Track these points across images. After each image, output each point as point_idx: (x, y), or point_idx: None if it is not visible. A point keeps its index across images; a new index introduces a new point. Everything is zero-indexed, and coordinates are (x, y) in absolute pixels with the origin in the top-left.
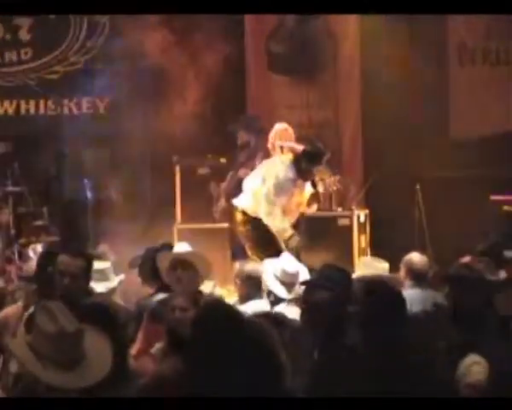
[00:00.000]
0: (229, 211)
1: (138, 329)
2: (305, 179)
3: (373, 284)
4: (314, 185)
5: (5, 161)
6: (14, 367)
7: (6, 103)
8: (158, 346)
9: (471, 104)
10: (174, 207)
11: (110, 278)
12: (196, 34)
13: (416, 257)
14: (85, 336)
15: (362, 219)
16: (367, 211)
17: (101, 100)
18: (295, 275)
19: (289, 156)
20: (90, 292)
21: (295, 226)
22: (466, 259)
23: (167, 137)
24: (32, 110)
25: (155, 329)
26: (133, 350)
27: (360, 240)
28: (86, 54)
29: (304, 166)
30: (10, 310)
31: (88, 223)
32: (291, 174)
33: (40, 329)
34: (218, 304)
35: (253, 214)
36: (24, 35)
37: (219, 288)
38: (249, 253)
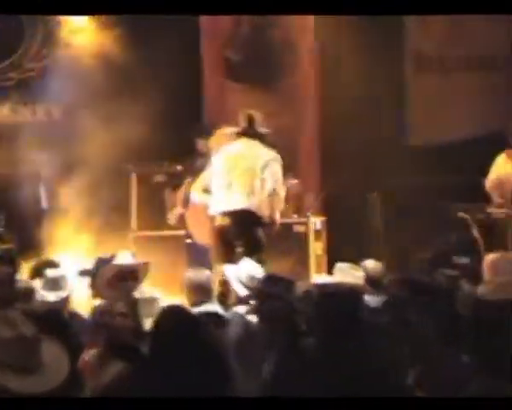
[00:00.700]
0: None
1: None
2: None
3: (330, 290)
4: None
5: None
6: None
7: None
8: (92, 352)
9: (429, 111)
10: (130, 214)
11: (63, 286)
12: (153, 40)
13: (370, 264)
14: (42, 343)
15: (318, 226)
16: (324, 218)
17: (56, 106)
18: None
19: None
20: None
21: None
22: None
23: (123, 145)
24: None
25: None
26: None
27: (316, 247)
28: (41, 60)
29: None
30: None
31: (44, 230)
32: None
33: None
34: (176, 310)
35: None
36: None
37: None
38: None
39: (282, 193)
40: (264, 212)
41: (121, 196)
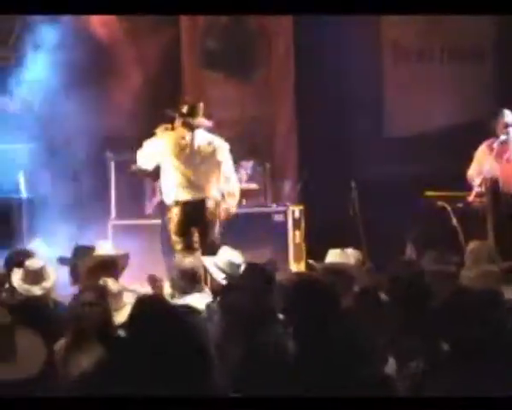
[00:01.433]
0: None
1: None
2: None
3: (303, 280)
4: None
5: None
6: None
7: None
8: (60, 342)
9: (405, 101)
10: (109, 203)
11: (46, 276)
12: (134, 29)
13: (349, 252)
14: (17, 332)
15: (297, 214)
16: (302, 207)
17: (33, 94)
18: (240, 266)
19: None
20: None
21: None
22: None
23: (102, 133)
24: None
25: None
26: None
27: (295, 236)
28: (18, 49)
29: None
30: None
31: (23, 220)
32: None
33: None
34: (153, 300)
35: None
36: None
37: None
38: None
39: (235, 182)
40: (218, 201)
41: (100, 185)
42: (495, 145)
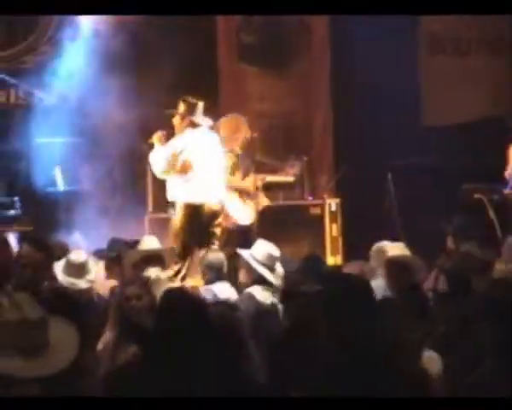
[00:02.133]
0: None
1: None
2: None
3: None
4: None
5: None
6: None
7: None
8: (108, 336)
9: (442, 93)
10: (146, 196)
11: (90, 270)
12: (171, 23)
13: (387, 246)
14: (50, 325)
15: (333, 207)
16: (338, 200)
17: (72, 89)
18: (278, 259)
19: None
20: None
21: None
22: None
23: (140, 127)
24: (3, 100)
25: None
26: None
27: (332, 229)
28: (56, 43)
29: None
30: None
31: (61, 214)
32: None
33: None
34: (181, 292)
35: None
36: None
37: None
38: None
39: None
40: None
41: (138, 179)
42: None
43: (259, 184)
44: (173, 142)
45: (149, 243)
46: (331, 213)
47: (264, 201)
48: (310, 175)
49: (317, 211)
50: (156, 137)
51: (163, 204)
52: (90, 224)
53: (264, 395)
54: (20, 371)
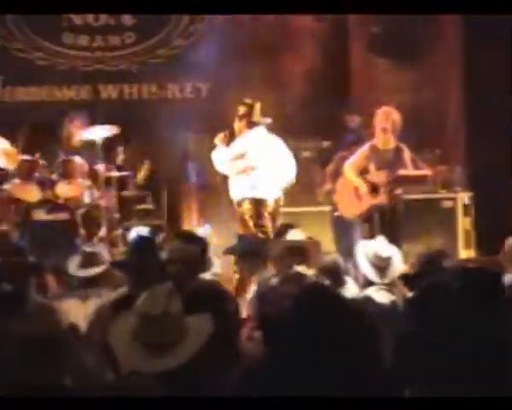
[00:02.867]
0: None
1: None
2: None
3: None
4: None
5: (109, 145)
6: None
7: (110, 88)
8: (251, 328)
9: None
10: None
11: (214, 263)
12: (299, 16)
13: None
14: (188, 320)
15: (466, 201)
16: (471, 193)
17: (203, 83)
18: (388, 259)
19: None
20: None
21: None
22: None
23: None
24: (135, 95)
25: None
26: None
27: (464, 222)
28: (189, 37)
29: None
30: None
31: (192, 207)
32: None
33: (137, 311)
34: (319, 287)
35: None
36: (127, 20)
37: None
38: None
39: None
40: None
41: None
42: None
43: (392, 177)
44: (235, 144)
45: (294, 235)
46: (464, 206)
47: (395, 194)
48: (442, 168)
49: (449, 204)
50: (219, 138)
51: (297, 198)
52: (220, 217)
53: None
54: (148, 366)
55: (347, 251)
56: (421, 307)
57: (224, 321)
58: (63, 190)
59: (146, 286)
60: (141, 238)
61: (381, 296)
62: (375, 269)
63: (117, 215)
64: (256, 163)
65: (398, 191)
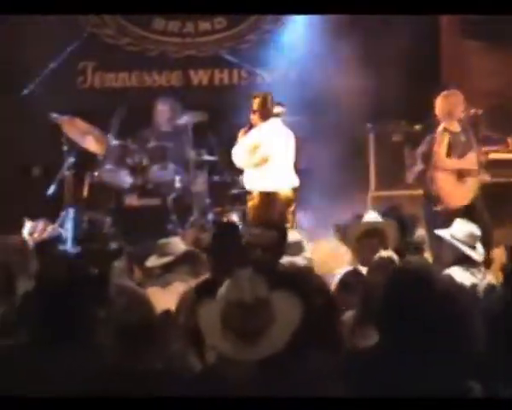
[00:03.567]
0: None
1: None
2: None
3: None
4: None
5: (200, 131)
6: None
7: (200, 73)
8: (349, 314)
9: None
10: (368, 174)
11: (305, 248)
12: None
13: None
14: (275, 305)
15: None
16: None
17: (293, 68)
18: (479, 239)
19: None
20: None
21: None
22: None
23: (361, 104)
24: (226, 80)
25: (343, 298)
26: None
27: None
28: (278, 21)
29: None
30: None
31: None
32: None
33: (225, 297)
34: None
35: None
36: None
37: None
38: None
39: None
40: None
41: (359, 156)
42: None
43: (482, 160)
44: (250, 135)
45: (371, 217)
46: None
47: (485, 178)
48: None
49: None
50: (240, 134)
51: (386, 182)
52: (311, 202)
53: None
54: (235, 353)
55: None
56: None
57: (312, 305)
58: (154, 175)
59: (228, 272)
60: (224, 225)
61: (462, 276)
62: (469, 247)
63: (208, 200)
64: (270, 155)
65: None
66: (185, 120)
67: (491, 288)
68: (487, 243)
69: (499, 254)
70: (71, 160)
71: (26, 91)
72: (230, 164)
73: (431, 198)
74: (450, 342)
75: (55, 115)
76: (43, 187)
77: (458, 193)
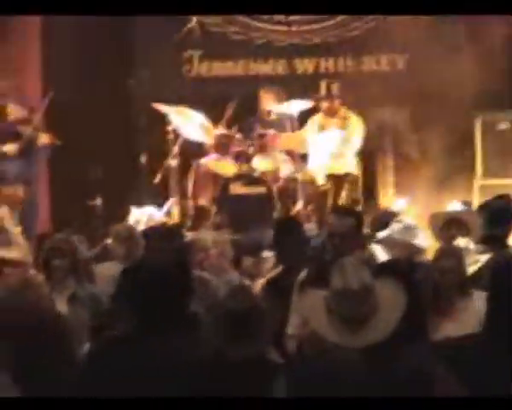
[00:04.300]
0: None
1: None
2: None
3: None
4: None
5: (305, 119)
6: (292, 329)
7: (305, 62)
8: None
9: None
10: (474, 162)
11: (417, 234)
12: None
13: None
14: (378, 293)
15: None
16: None
17: (400, 56)
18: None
19: None
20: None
21: None
22: None
23: (466, 93)
24: (332, 68)
25: None
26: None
27: None
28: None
29: None
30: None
31: (388, 181)
32: None
33: (331, 286)
34: None
35: None
36: None
37: None
38: None
39: None
40: None
41: (465, 145)
42: None
43: None
44: None
45: (455, 206)
46: None
47: None
48: None
49: None
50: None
51: (493, 170)
52: (416, 189)
53: None
54: (341, 340)
55: None
56: None
57: (415, 293)
58: (260, 163)
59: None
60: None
61: None
62: None
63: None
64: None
65: None
66: (291, 107)
67: None
68: None
69: None
70: (176, 148)
71: (132, 80)
72: None
73: None
74: None
75: (161, 104)
76: (150, 175)
77: None
